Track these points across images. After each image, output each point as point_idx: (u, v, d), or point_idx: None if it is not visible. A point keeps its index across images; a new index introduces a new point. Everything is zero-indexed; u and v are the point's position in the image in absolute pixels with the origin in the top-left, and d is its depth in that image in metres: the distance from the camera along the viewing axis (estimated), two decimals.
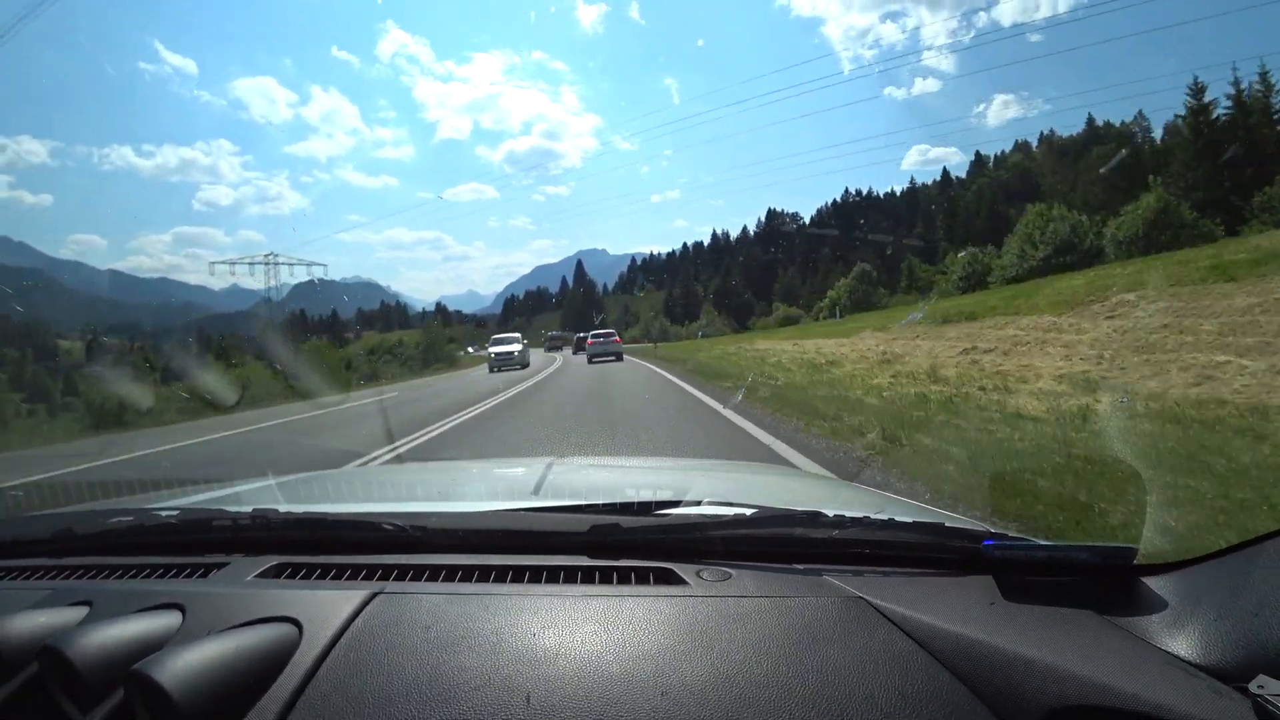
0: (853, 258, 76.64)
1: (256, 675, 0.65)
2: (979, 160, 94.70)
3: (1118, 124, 77.19)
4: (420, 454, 6.58)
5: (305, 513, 1.09)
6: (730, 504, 0.99)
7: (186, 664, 0.62)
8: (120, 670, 0.63)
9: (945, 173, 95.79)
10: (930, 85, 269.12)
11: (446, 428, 8.23)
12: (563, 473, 1.76)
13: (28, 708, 0.68)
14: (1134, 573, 0.79)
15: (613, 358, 24.47)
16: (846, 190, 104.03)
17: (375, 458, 6.24)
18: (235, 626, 0.73)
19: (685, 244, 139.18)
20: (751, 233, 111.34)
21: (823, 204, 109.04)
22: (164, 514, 1.11)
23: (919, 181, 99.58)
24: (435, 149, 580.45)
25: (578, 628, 0.72)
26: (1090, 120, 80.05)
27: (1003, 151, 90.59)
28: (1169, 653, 0.67)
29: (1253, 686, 0.60)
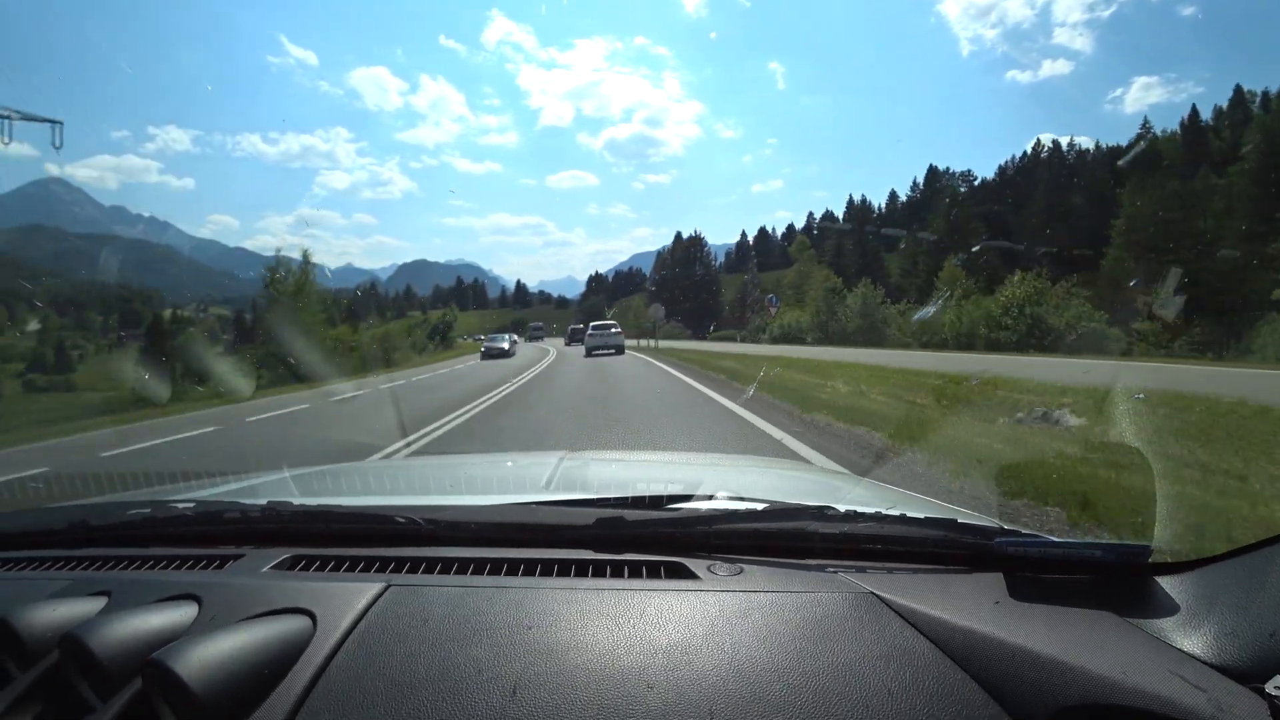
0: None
1: (271, 666, 0.66)
2: (1239, 97, 66.95)
3: None
4: None
5: (319, 505, 1.08)
6: (741, 498, 0.99)
7: (203, 654, 0.62)
8: (139, 659, 0.64)
9: (1194, 110, 68.67)
10: (1060, 67, 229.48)
11: None
12: (574, 467, 1.74)
13: (49, 695, 0.69)
14: (1148, 571, 0.78)
15: (613, 350, 24.11)
16: (1038, 141, 79.14)
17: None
18: (251, 618, 0.73)
19: (811, 213, 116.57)
20: (903, 198, 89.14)
21: (1006, 159, 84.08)
22: (180, 506, 1.11)
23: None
24: (538, 136, 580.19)
25: (588, 621, 0.72)
26: None
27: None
28: (1183, 652, 0.66)
29: (1269, 687, 0.60)
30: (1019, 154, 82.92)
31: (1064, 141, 79.20)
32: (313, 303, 29.73)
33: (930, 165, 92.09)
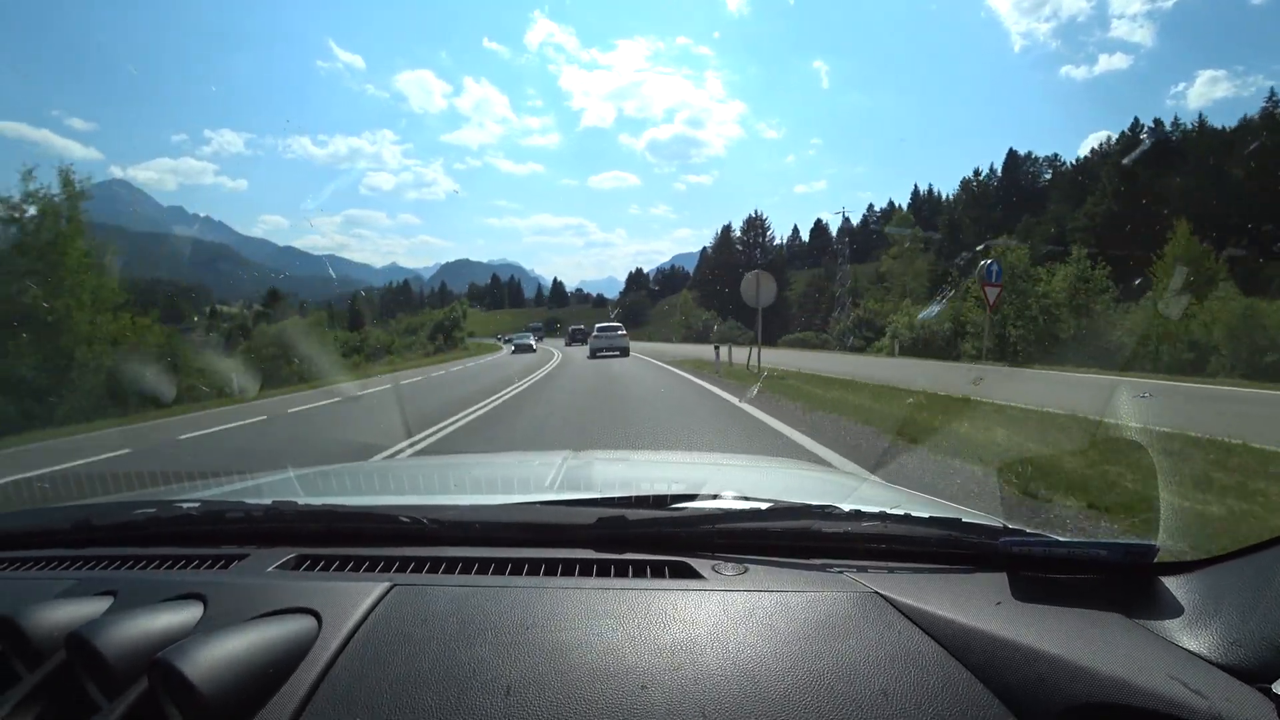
0: None
1: (277, 665, 0.66)
2: None
3: None
4: None
5: (323, 505, 1.08)
6: (745, 498, 0.99)
7: (209, 653, 0.62)
8: (145, 659, 0.64)
9: None
10: (1118, 62, 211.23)
11: None
12: (578, 466, 1.73)
13: (56, 694, 0.69)
14: (1154, 571, 0.78)
15: (617, 352, 24.37)
16: (1136, 120, 68.09)
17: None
18: (256, 617, 0.74)
19: (872, 204, 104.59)
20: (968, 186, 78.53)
21: (1103, 139, 71.71)
22: (185, 506, 1.11)
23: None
24: (580, 137, 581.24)
25: (592, 621, 0.72)
26: None
27: None
28: (1190, 652, 0.65)
29: (1276, 687, 0.60)
30: (1077, 151, 71.09)
31: (1166, 123, 67.47)
32: (77, 269, 15.71)
33: (1010, 149, 79.68)
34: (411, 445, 7.08)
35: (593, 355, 24.56)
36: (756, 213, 78.01)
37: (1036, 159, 73.82)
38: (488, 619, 0.73)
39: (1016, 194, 67.79)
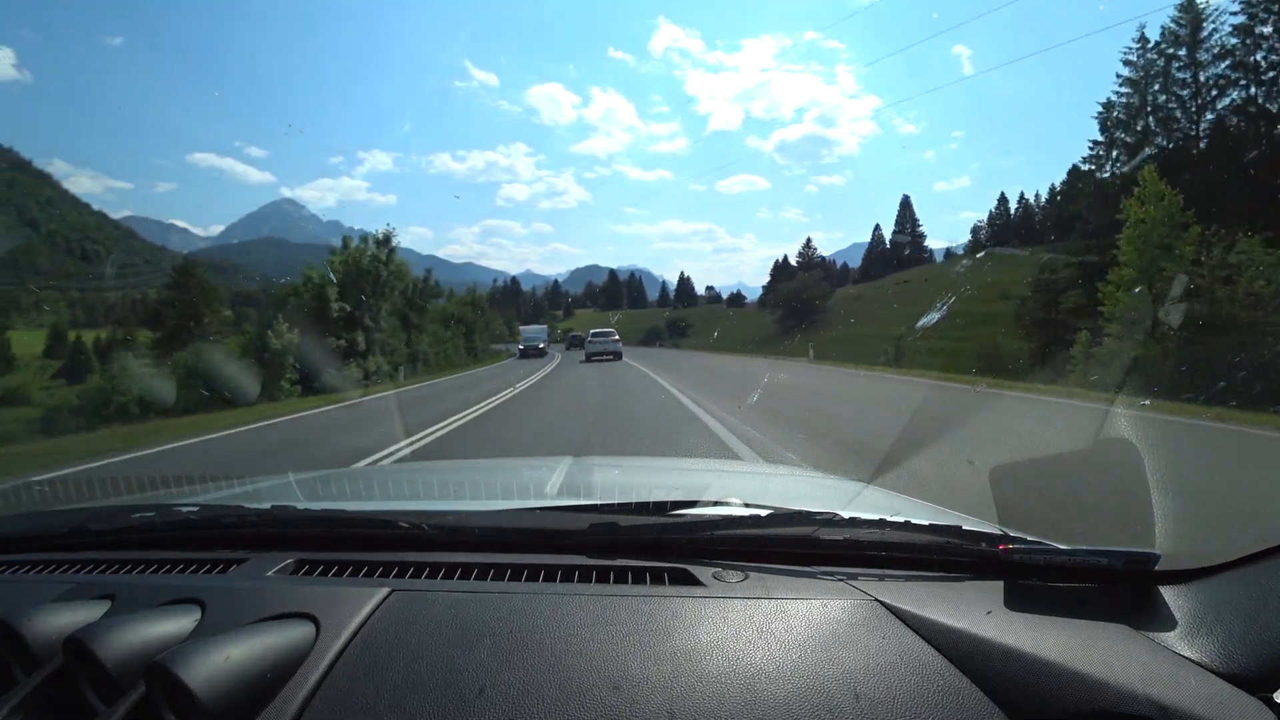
0: None
1: (275, 670, 0.66)
2: None
3: None
4: None
5: (322, 510, 1.09)
6: (746, 504, 0.99)
7: (207, 659, 0.62)
8: (143, 663, 0.64)
9: None
10: None
11: None
12: (579, 472, 1.74)
13: (53, 699, 0.69)
14: (1154, 579, 0.77)
15: (611, 356, 25.76)
16: None
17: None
18: (254, 622, 0.73)
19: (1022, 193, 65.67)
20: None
21: None
22: (184, 510, 1.11)
23: None
24: (707, 141, 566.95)
25: (591, 628, 0.72)
26: None
27: None
28: (1191, 661, 0.65)
29: (1277, 696, 0.60)
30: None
31: None
32: None
33: None
34: None
35: (588, 359, 25.84)
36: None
37: None
38: (485, 625, 0.73)
39: None
